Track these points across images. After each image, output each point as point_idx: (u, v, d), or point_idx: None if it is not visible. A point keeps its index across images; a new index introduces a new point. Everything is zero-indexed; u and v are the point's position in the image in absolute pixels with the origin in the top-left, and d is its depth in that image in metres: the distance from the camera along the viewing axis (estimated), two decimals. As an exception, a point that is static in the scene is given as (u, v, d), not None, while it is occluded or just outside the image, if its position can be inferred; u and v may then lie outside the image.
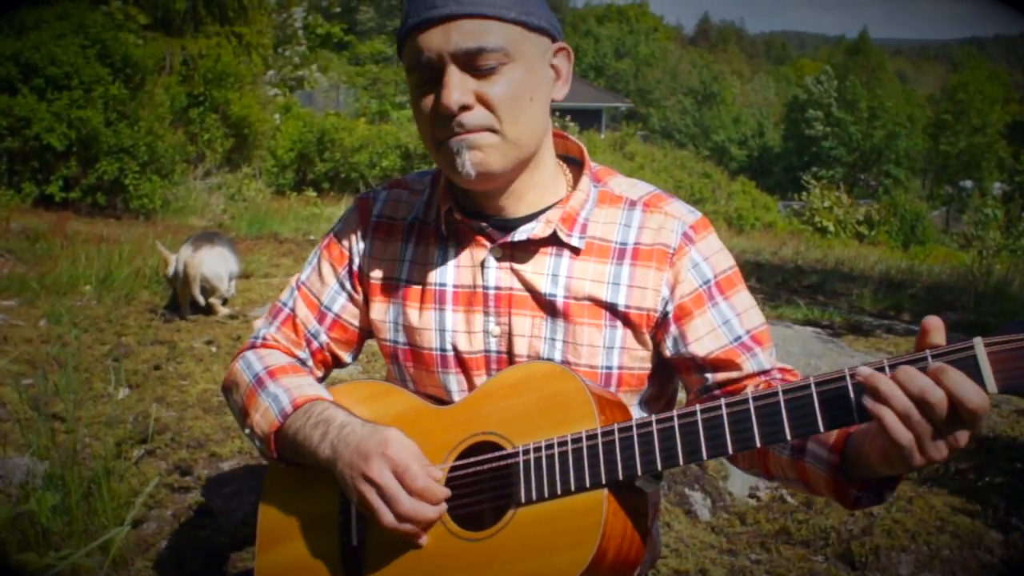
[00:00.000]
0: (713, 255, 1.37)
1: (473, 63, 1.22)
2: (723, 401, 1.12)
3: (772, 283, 7.46)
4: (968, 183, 44.71)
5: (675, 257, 1.34)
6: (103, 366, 3.94)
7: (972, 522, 2.83)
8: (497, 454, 1.24)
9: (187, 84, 12.28)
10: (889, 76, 53.57)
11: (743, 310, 1.36)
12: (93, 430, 3.07)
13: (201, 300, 4.82)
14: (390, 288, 1.43)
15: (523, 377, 1.28)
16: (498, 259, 1.36)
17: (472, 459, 1.26)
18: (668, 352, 1.37)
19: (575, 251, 1.35)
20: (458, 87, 1.23)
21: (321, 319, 1.48)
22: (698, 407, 1.14)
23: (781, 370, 1.35)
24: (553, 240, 1.35)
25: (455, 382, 1.39)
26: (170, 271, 4.88)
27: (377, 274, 1.44)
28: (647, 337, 1.36)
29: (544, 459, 1.20)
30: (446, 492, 1.24)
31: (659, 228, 1.35)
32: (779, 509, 2.86)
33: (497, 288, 1.36)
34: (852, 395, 1.06)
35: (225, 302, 5.06)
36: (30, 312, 4.91)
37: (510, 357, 1.36)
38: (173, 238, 6.46)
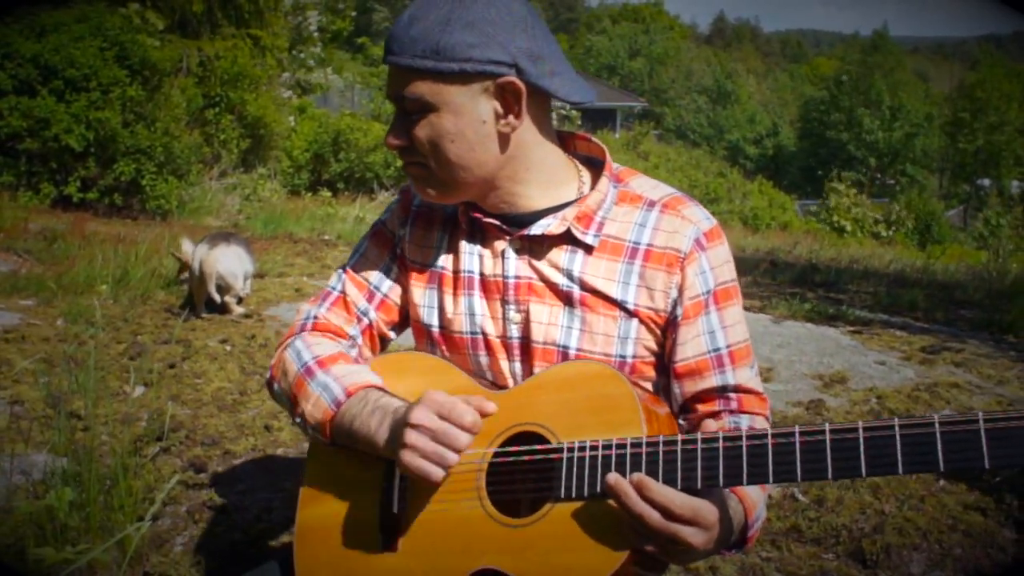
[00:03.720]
0: (719, 266, 1.41)
1: (404, 108, 1.32)
2: (769, 431, 1.14)
3: (786, 281, 7.44)
4: (986, 181, 44.38)
5: (685, 261, 1.38)
6: (119, 365, 3.98)
7: (985, 520, 2.82)
8: (542, 447, 1.27)
9: (203, 85, 12.35)
10: (907, 74, 53.22)
11: (731, 324, 1.42)
12: (110, 427, 3.10)
13: (217, 298, 4.85)
14: (427, 274, 1.50)
15: (576, 374, 1.31)
16: (516, 251, 1.42)
17: (518, 447, 1.29)
18: (665, 354, 1.43)
19: (588, 248, 1.39)
20: (394, 127, 1.35)
21: (370, 298, 1.53)
22: (744, 432, 1.16)
23: (746, 390, 1.42)
24: (568, 237, 1.39)
25: (485, 363, 1.45)
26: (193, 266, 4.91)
27: (416, 259, 1.51)
28: (659, 333, 1.41)
29: (588, 459, 1.23)
30: (490, 408, 1.30)
31: (673, 231, 1.39)
32: (790, 507, 2.87)
33: (516, 277, 1.41)
34: (861, 447, 1.08)
35: (240, 301, 5.10)
36: (48, 311, 4.96)
37: (527, 342, 1.41)
38: (189, 239, 6.50)
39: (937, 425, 1.03)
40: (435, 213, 1.52)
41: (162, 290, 5.59)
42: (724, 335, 1.41)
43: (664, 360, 1.44)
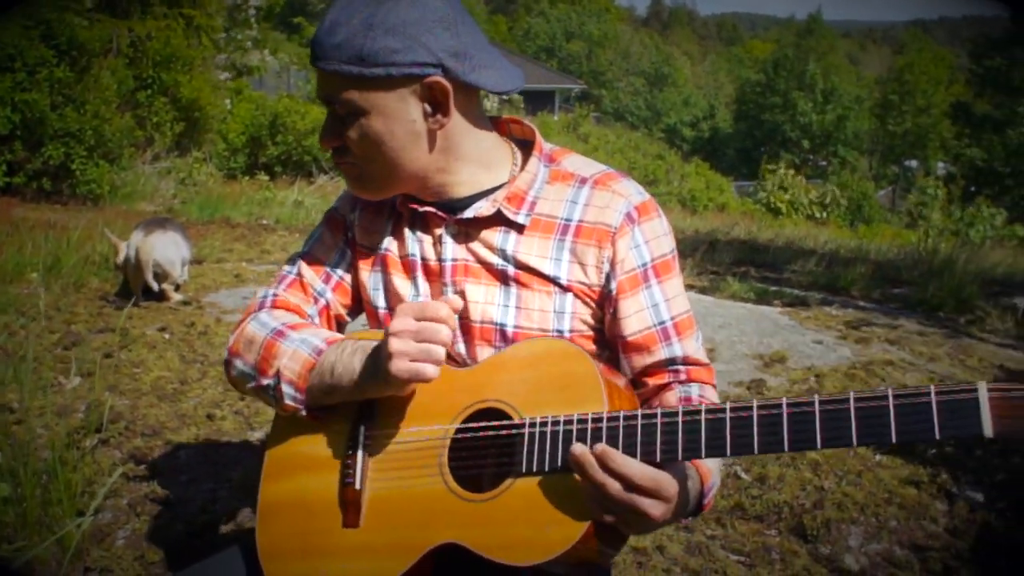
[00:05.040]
0: (655, 239, 1.44)
1: (333, 109, 1.36)
2: (728, 405, 1.17)
3: (725, 262, 7.55)
4: (914, 163, 45.60)
5: (616, 236, 1.40)
6: (53, 355, 3.87)
7: (918, 493, 2.92)
8: (504, 423, 1.29)
9: (135, 67, 12.00)
10: (840, 58, 54.23)
11: (672, 296, 1.45)
12: (44, 420, 3.02)
13: (154, 286, 4.75)
14: (374, 258, 1.53)
15: (540, 352, 1.33)
16: (453, 235, 1.45)
17: (479, 423, 1.31)
18: (606, 328, 1.46)
19: (520, 228, 1.43)
20: (327, 129, 1.39)
21: (327, 280, 1.56)
22: (703, 407, 1.18)
23: (694, 362, 1.46)
24: (500, 218, 1.43)
25: None
26: (120, 258, 4.80)
27: (364, 243, 1.55)
28: (595, 307, 1.44)
29: (549, 434, 1.25)
30: (458, 303, 1.33)
31: (604, 207, 1.42)
32: (733, 485, 2.92)
33: (453, 260, 1.45)
34: (817, 421, 1.12)
35: (178, 288, 5.00)
36: (-25, 301, 4.80)
37: (466, 323, 1.44)
38: (123, 224, 6.34)
39: (891, 399, 1.07)
40: (382, 201, 1.53)
41: (96, 277, 5.45)
42: (667, 307, 1.44)
43: (604, 335, 1.47)
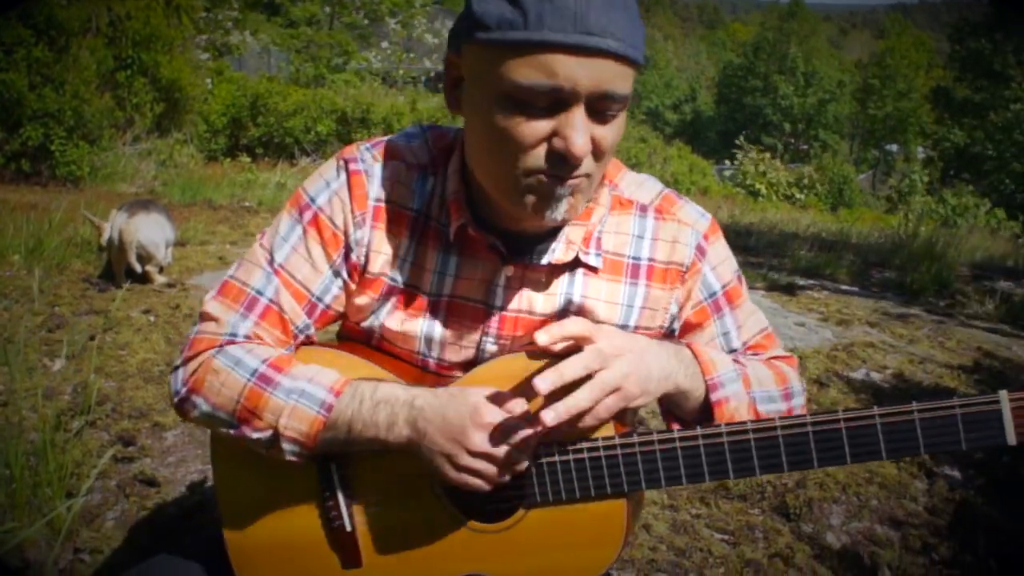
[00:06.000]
0: (720, 264, 1.32)
1: (600, 107, 1.05)
2: (750, 426, 1.16)
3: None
4: (894, 147, 45.91)
5: (688, 275, 1.29)
6: (37, 338, 3.85)
7: (898, 472, 2.97)
8: None
9: (114, 46, 11.84)
10: (821, 42, 54.37)
11: (743, 321, 1.35)
12: (30, 402, 3.02)
13: (138, 268, 4.73)
14: (382, 284, 1.27)
15: (523, 370, 1.21)
16: (509, 276, 1.25)
17: None
18: None
19: (592, 269, 1.27)
20: (586, 133, 1.05)
21: (311, 311, 1.28)
22: (724, 427, 1.16)
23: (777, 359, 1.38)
24: (573, 261, 1.25)
25: (427, 381, 1.28)
26: (104, 238, 4.77)
27: (373, 268, 1.26)
28: None
29: (559, 464, 1.20)
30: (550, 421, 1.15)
31: (673, 241, 1.28)
32: (717, 465, 2.96)
33: (504, 309, 1.26)
34: (844, 437, 1.14)
35: (161, 270, 4.98)
36: (-43, 284, 4.77)
37: None
38: (104, 206, 6.29)
39: (916, 413, 1.11)
40: (401, 212, 1.26)
41: (78, 259, 5.41)
42: (738, 334, 1.34)
43: None
